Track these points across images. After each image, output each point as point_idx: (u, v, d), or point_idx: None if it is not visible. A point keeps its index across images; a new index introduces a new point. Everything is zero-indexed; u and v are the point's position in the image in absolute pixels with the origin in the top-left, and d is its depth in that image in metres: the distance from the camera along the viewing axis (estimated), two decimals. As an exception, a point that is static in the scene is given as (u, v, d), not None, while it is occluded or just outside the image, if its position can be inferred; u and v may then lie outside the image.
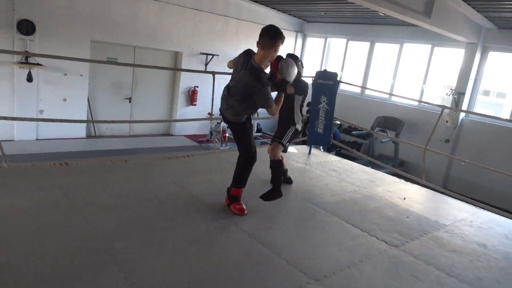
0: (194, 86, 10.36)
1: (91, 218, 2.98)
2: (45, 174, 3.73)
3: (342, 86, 10.94)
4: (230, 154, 5.27)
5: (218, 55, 10.45)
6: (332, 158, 5.95)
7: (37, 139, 8.33)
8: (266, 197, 3.59)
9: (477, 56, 8.55)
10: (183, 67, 9.95)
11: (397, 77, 10.20)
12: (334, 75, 5.05)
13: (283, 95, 3.24)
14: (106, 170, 4.12)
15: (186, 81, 10.27)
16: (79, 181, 3.66)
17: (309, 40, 12.51)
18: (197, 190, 3.83)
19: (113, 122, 4.96)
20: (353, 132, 10.34)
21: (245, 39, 11.03)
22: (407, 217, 3.90)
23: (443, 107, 4.61)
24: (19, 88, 7.88)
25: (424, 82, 9.64)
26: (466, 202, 4.54)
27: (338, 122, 8.62)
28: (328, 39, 11.94)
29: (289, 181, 4.34)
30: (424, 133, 9.10)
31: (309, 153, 5.83)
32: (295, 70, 3.46)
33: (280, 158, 3.89)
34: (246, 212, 3.38)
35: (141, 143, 9.26)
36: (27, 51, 7.69)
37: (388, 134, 9.55)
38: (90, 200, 3.31)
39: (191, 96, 10.39)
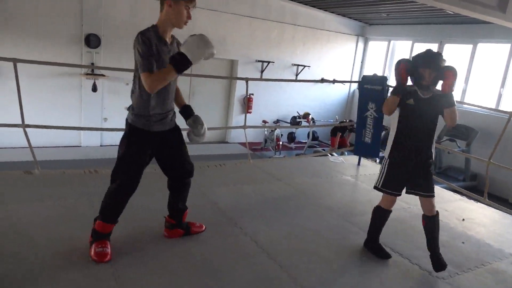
0: (250, 94, 10.34)
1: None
2: (74, 181, 3.84)
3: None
4: (267, 164, 5.09)
5: (273, 62, 10.33)
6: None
7: (101, 145, 8.91)
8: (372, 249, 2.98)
9: None
10: (238, 75, 9.98)
11: (469, 80, 9.19)
12: (383, 79, 4.61)
13: (172, 72, 2.18)
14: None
15: (241, 89, 10.29)
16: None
17: (372, 44, 11.86)
18: (224, 202, 3.69)
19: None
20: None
21: (302, 45, 10.80)
22: (463, 242, 3.36)
23: (511, 113, 3.95)
24: (86, 98, 8.50)
25: (503, 86, 8.53)
26: (544, 227, 3.82)
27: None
28: (391, 42, 11.21)
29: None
30: (502, 144, 8.03)
31: (358, 164, 5.40)
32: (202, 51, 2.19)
33: (379, 205, 2.99)
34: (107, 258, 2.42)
35: (197, 150, 9.42)
36: (93, 63, 8.26)
37: (457, 144, 8.61)
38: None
39: (247, 104, 10.37)
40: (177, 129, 2.63)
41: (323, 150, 9.60)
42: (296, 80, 10.76)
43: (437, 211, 2.82)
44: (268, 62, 10.27)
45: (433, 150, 2.78)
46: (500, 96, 8.60)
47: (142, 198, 2.98)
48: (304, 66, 10.75)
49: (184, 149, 2.66)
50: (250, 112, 10.33)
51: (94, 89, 8.39)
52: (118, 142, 2.50)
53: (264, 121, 10.43)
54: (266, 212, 3.54)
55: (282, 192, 4.16)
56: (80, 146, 8.70)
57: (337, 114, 11.27)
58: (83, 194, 3.49)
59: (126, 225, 2.69)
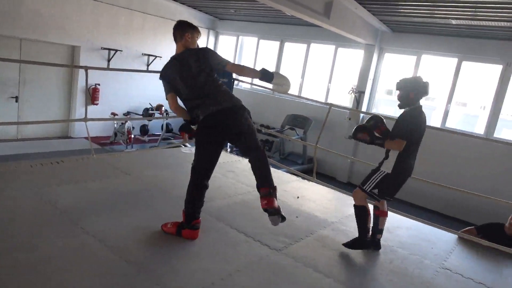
0: (95, 84, 9.54)
1: None
2: None
3: (255, 85, 10.94)
4: (115, 158, 4.84)
5: (121, 51, 9.74)
6: (233, 158, 5.78)
7: None
8: (350, 245, 3.23)
9: (375, 57, 9.07)
10: (81, 63, 9.07)
11: (305, 76, 10.46)
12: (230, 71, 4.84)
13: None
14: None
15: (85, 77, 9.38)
16: None
17: (222, 38, 12.32)
18: (63, 201, 3.35)
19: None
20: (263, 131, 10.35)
21: (153, 35, 10.47)
22: (297, 216, 3.85)
23: (330, 104, 4.67)
24: None
25: (330, 81, 9.99)
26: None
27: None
28: (240, 37, 11.85)
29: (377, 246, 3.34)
30: (330, 131, 9.43)
31: (209, 154, 5.58)
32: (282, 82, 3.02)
33: (364, 205, 3.21)
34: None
35: (32, 148, 8.25)
36: None
37: (296, 132, 9.73)
38: None
39: (92, 95, 9.55)
40: None
41: (178, 142, 9.58)
42: (140, 71, 10.34)
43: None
44: (116, 50, 9.64)
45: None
46: (328, 90, 10.05)
47: None
48: (156, 56, 10.48)
49: None
50: (96, 104, 9.57)
51: None
52: None
53: (113, 113, 9.79)
54: (114, 208, 3.37)
55: (132, 186, 4.01)
56: None
57: (191, 106, 11.38)
58: None
59: None
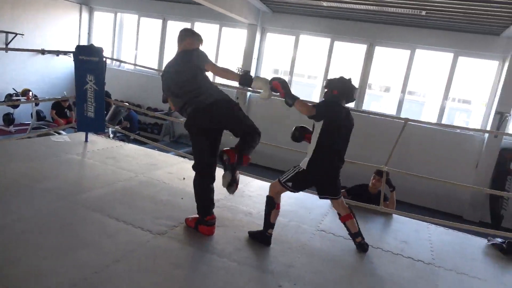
0: None
1: None
2: None
3: (138, 66, 10.35)
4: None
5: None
6: (115, 144, 5.40)
7: None
8: (253, 235, 3.19)
9: (258, 36, 9.30)
10: None
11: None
12: (99, 50, 4.46)
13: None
14: None
15: None
16: None
17: (97, 14, 11.27)
18: None
19: None
20: (150, 114, 9.94)
21: (10, 8, 9.05)
22: (182, 198, 3.78)
23: (216, 84, 4.64)
24: None
25: (216, 61, 9.97)
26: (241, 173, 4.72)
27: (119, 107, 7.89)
28: (118, 14, 11.00)
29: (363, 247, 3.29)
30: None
31: (86, 140, 5.11)
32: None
33: (272, 196, 3.12)
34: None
35: None
36: None
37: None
38: None
39: None
40: None
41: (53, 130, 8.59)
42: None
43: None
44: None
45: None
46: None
47: None
48: (16, 34, 9.10)
49: None
50: None
51: None
52: None
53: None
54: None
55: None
56: None
57: (65, 90, 10.22)
58: None
59: None
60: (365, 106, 9.01)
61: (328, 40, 8.95)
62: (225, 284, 2.53)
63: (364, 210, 4.14)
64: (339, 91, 3.05)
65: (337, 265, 3.03)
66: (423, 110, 9.73)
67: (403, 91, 8.58)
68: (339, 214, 3.26)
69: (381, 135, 8.14)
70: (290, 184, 3.07)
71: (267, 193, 3.16)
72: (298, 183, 3.09)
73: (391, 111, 8.90)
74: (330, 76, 9.08)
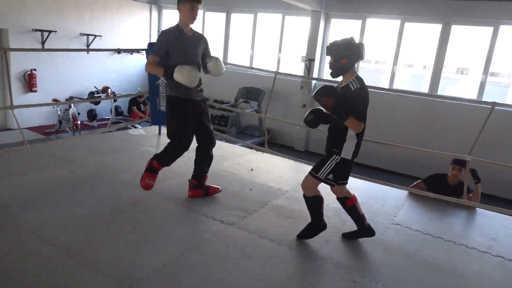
0: (31, 69, 8.84)
1: None
2: None
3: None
4: (54, 147, 4.53)
5: (56, 32, 9.03)
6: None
7: None
8: (304, 233, 2.96)
9: (322, 23, 9.03)
10: (11, 47, 8.33)
11: (255, 47, 10.28)
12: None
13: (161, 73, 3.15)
14: None
15: (18, 63, 8.66)
16: None
17: (166, 12, 11.76)
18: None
19: None
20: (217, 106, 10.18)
21: (90, 12, 9.79)
22: (251, 189, 3.81)
23: (276, 73, 4.62)
24: None
25: (280, 51, 9.90)
26: (307, 163, 4.58)
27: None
28: (185, 10, 11.35)
29: (368, 232, 3.02)
30: (284, 101, 9.43)
31: (159, 133, 5.38)
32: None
33: (318, 194, 2.89)
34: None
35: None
36: None
37: (251, 105, 9.64)
38: None
39: (29, 82, 8.86)
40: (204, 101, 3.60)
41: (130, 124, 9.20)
42: (75, 50, 9.70)
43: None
44: (50, 32, 8.92)
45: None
46: (279, 60, 9.97)
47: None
48: (96, 36, 9.83)
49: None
50: (35, 91, 8.89)
51: None
52: None
53: (55, 100, 9.17)
54: (50, 200, 3.14)
55: (73, 175, 3.77)
56: None
57: (139, 86, 10.87)
58: None
59: None
60: (440, 91, 8.35)
61: (398, 22, 8.40)
62: (294, 277, 2.51)
63: (443, 202, 3.84)
64: (348, 59, 2.66)
65: (415, 262, 2.84)
66: (509, 92, 8.76)
67: (485, 72, 7.79)
68: (344, 198, 2.95)
69: (458, 122, 7.51)
70: (331, 176, 2.78)
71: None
72: (341, 174, 2.79)
73: (470, 95, 8.15)
74: (399, 61, 8.61)
